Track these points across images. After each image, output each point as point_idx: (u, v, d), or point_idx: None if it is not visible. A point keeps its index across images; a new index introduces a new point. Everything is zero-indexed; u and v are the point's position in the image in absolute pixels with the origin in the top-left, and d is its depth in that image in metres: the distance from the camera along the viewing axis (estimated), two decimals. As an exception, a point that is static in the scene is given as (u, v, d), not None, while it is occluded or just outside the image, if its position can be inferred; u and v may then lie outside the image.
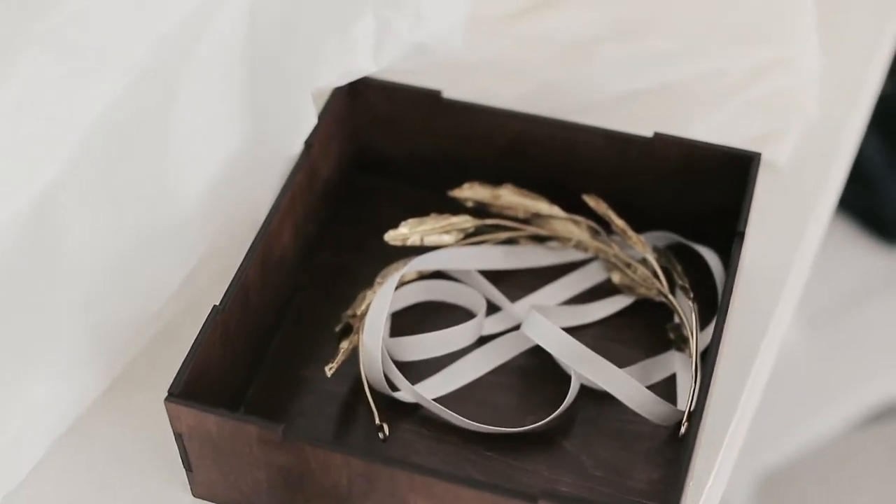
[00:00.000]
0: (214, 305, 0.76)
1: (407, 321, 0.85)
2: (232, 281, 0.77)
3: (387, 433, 0.78)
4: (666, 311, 0.85)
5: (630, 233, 0.85)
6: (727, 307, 0.77)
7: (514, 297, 0.86)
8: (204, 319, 0.76)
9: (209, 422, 0.72)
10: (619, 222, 0.85)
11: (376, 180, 0.93)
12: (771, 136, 0.94)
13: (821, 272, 1.59)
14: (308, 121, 0.84)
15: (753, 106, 0.95)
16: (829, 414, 1.59)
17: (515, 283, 0.87)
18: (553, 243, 0.88)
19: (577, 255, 0.88)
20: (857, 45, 1.04)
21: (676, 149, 0.84)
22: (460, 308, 0.86)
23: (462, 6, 0.88)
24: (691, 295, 0.82)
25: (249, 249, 0.79)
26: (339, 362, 0.80)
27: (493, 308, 0.86)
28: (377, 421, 0.79)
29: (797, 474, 1.60)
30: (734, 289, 0.79)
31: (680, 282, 0.84)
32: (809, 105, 0.96)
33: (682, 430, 0.76)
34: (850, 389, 1.61)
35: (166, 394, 0.72)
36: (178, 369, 0.73)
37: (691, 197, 0.86)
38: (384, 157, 0.92)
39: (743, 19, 0.98)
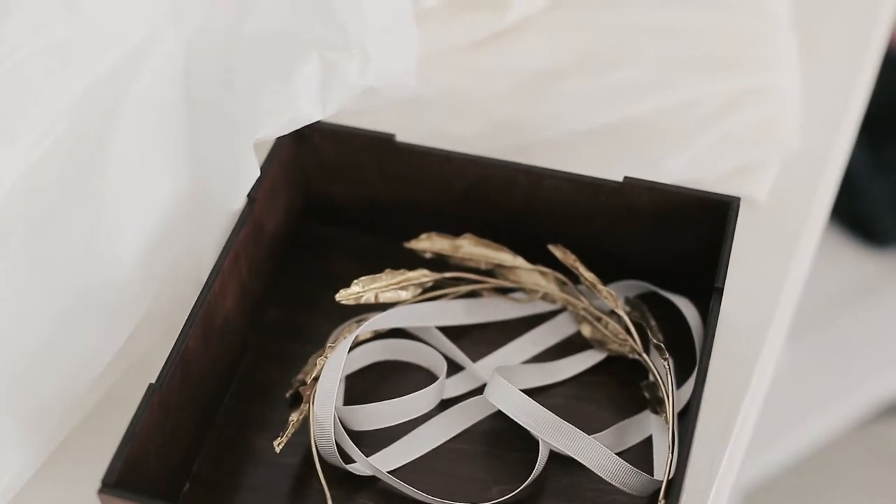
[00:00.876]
0: (151, 384, 0.70)
1: (362, 384, 0.80)
2: (169, 355, 0.71)
3: (341, 518, 0.73)
4: (640, 367, 0.79)
5: (600, 286, 0.79)
6: (706, 370, 0.71)
7: (477, 354, 0.80)
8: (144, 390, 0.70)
9: (146, 515, 0.67)
10: (587, 275, 0.79)
11: (327, 229, 0.87)
12: (750, 170, 0.88)
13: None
14: (250, 173, 0.78)
15: (730, 138, 0.89)
16: (816, 421, 1.56)
17: (479, 338, 0.81)
18: (518, 295, 0.82)
19: (544, 307, 0.82)
20: (838, 68, 0.98)
21: (648, 194, 0.78)
22: (420, 367, 0.80)
23: (413, 44, 0.81)
24: (666, 355, 0.77)
25: (188, 318, 0.73)
26: (289, 436, 0.75)
27: (455, 367, 0.80)
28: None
29: (781, 484, 1.57)
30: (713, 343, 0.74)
31: (654, 340, 0.78)
32: (790, 135, 0.90)
33: (660, 507, 0.71)
34: (837, 395, 1.58)
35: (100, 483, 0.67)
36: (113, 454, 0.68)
37: (665, 244, 0.80)
38: (335, 205, 0.86)
39: (716, 46, 0.91)
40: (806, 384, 1.56)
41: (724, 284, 0.74)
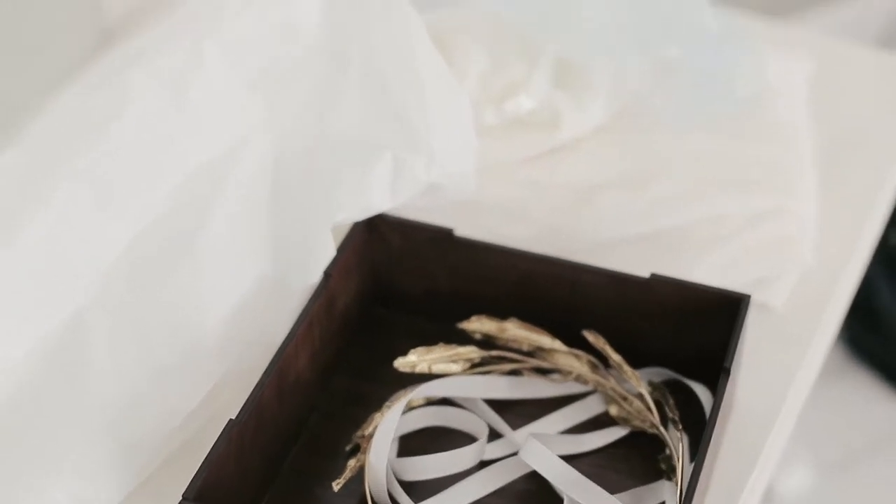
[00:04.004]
0: (230, 419, 0.81)
1: (414, 444, 0.90)
2: (249, 397, 0.82)
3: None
4: (659, 444, 0.89)
5: (626, 368, 0.89)
6: (710, 438, 0.80)
7: (515, 425, 0.90)
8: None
9: (217, 537, 0.77)
10: (615, 357, 0.90)
11: (391, 312, 0.98)
12: (768, 281, 0.99)
13: (834, 419, 1.59)
14: (327, 253, 0.90)
15: (751, 251, 1.00)
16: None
17: (518, 411, 0.92)
18: (555, 376, 0.93)
19: (577, 388, 0.93)
20: (857, 195, 1.09)
21: (672, 289, 0.89)
22: (464, 434, 0.91)
23: (472, 149, 0.94)
24: (680, 426, 0.87)
25: (267, 369, 0.84)
26: (346, 479, 0.85)
27: (495, 435, 0.90)
28: (379, 548, 0.83)
29: None
30: (725, 425, 0.84)
31: (671, 414, 0.88)
32: (806, 252, 1.01)
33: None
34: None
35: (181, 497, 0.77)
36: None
37: (686, 334, 0.91)
38: (399, 290, 0.97)
39: (743, 170, 1.04)
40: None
41: (731, 365, 0.84)
